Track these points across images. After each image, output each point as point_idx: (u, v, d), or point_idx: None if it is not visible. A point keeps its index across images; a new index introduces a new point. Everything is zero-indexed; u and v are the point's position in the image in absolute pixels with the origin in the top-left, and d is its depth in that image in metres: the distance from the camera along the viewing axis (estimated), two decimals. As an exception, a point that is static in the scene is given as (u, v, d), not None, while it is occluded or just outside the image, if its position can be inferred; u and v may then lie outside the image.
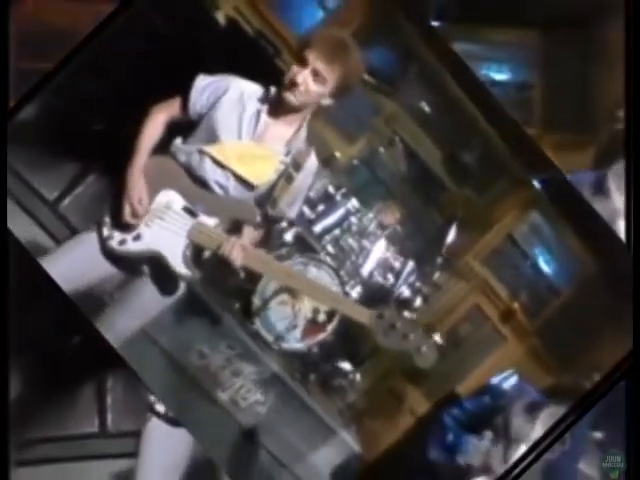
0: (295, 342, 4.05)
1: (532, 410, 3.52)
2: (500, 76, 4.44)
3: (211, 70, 3.07)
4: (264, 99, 2.93)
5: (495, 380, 3.80)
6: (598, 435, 3.65)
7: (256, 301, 4.00)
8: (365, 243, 4.20)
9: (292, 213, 3.07)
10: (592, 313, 4.45)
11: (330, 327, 4.04)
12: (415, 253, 4.32)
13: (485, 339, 4.60)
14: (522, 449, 3.51)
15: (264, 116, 2.92)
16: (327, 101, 2.89)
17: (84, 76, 3.31)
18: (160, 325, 3.68)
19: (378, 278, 4.22)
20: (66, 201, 3.95)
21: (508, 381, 3.76)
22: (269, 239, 3.84)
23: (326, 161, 4.25)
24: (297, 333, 4.04)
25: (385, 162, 4.46)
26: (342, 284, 4.05)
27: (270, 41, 4.12)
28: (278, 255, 3.99)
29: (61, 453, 3.65)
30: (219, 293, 3.95)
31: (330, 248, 4.16)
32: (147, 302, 3.02)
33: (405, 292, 4.20)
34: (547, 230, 4.64)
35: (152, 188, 2.93)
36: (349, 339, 4.24)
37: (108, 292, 3.18)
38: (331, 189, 4.19)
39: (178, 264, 2.88)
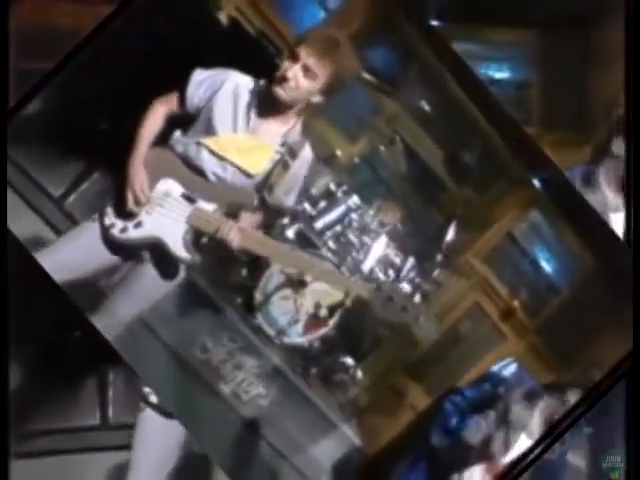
0: (297, 337, 4.09)
1: (530, 398, 3.57)
2: (499, 75, 4.48)
3: (212, 68, 3.15)
4: (254, 91, 2.99)
5: (495, 368, 3.84)
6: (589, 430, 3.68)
7: (258, 296, 4.05)
8: (366, 239, 4.24)
9: (289, 201, 3.16)
10: (592, 311, 4.47)
11: (332, 322, 4.08)
12: (415, 250, 4.35)
13: (485, 337, 4.61)
14: (521, 436, 3.54)
15: (255, 109, 2.99)
16: (317, 98, 2.95)
17: (88, 75, 3.37)
18: (163, 319, 3.75)
19: (379, 274, 4.26)
20: (71, 198, 4.02)
21: (507, 369, 3.81)
22: (270, 236, 3.89)
23: (327, 160, 4.30)
24: (299, 328, 4.08)
25: (385, 161, 4.50)
26: (343, 279, 4.08)
27: (272, 41, 4.17)
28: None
29: (63, 445, 3.71)
30: (222, 287, 4.02)
31: (331, 244, 4.20)
32: (148, 287, 3.11)
33: (405, 288, 4.23)
34: (547, 229, 4.66)
35: (152, 178, 3.04)
36: (351, 334, 4.28)
37: (109, 279, 3.25)
38: (332, 186, 4.23)
39: (178, 248, 2.98)
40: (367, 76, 4.38)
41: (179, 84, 3.16)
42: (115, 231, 3.07)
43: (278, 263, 3.54)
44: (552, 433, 3.41)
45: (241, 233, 2.98)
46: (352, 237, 4.25)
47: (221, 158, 3.03)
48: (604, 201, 3.87)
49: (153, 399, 3.27)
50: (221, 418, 3.98)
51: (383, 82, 4.45)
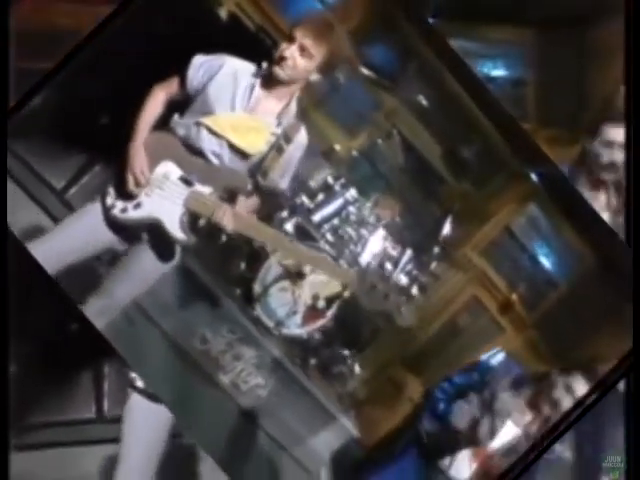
0: (295, 328, 4.13)
1: (517, 386, 3.60)
2: (495, 73, 4.51)
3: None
4: (257, 74, 3.08)
5: (484, 357, 3.87)
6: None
7: (257, 287, 4.09)
8: (363, 232, 4.27)
9: (283, 184, 3.23)
10: (590, 306, 4.48)
11: (329, 313, 4.12)
12: (413, 243, 4.38)
13: (483, 330, 4.63)
14: (507, 423, 3.58)
15: (257, 89, 3.07)
16: (314, 77, 3.04)
17: (89, 72, 3.42)
18: (163, 310, 3.80)
19: (376, 266, 4.30)
20: (73, 190, 4.08)
21: (495, 357, 3.84)
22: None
23: (326, 153, 4.34)
24: (297, 319, 4.12)
25: (384, 154, 4.54)
26: (341, 272, 4.11)
27: (270, 36, 4.22)
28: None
29: (60, 438, 3.75)
30: (221, 279, 4.06)
31: (329, 237, 4.24)
32: (146, 269, 3.18)
33: (402, 280, 4.26)
34: (545, 223, 4.68)
35: (152, 160, 3.13)
36: (349, 325, 4.31)
37: (109, 261, 3.33)
38: (330, 179, 4.27)
39: (175, 229, 3.06)
40: (366, 72, 4.43)
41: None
42: (116, 211, 3.16)
43: (270, 247, 3.59)
44: (552, 433, 3.43)
45: (235, 217, 3.06)
46: (350, 230, 4.28)
47: (219, 136, 3.12)
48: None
49: (140, 384, 3.32)
50: (220, 408, 4.02)
51: (382, 78, 4.49)
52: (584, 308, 4.50)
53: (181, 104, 3.22)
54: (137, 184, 3.12)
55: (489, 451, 3.53)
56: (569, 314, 4.59)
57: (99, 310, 3.25)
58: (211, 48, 3.39)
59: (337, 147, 4.37)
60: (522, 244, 4.72)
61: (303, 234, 4.18)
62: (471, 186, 4.64)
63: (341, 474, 4.08)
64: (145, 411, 3.31)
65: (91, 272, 3.47)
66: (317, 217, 4.19)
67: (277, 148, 3.11)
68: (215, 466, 3.54)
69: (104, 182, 3.89)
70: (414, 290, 4.27)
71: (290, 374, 4.13)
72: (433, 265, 4.40)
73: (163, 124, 3.22)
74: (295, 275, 4.03)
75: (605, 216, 3.98)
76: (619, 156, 3.95)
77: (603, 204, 3.99)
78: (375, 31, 4.48)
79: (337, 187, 4.27)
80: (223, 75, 3.13)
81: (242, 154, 3.13)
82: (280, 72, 3.06)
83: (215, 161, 3.14)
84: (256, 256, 4.09)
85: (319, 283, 4.05)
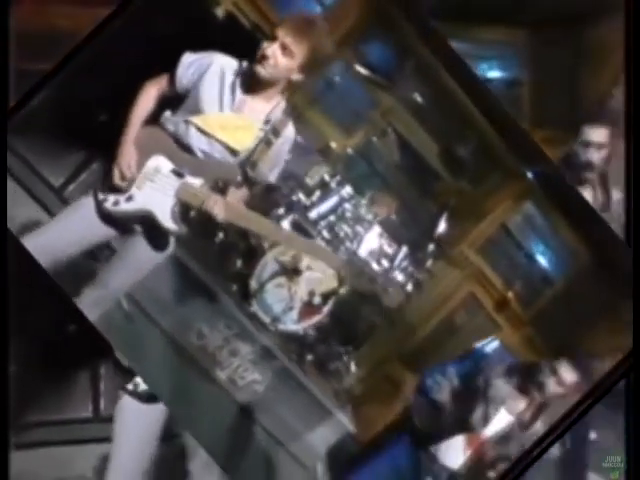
0: (291, 324, 4.16)
1: (510, 373, 3.63)
2: (490, 74, 4.53)
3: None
4: (240, 72, 3.12)
5: (478, 345, 3.90)
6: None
7: (253, 284, 4.12)
8: (359, 229, 4.29)
9: (272, 177, 3.30)
10: (586, 303, 4.50)
11: (325, 309, 4.15)
12: (408, 240, 4.40)
13: (480, 327, 4.64)
14: (501, 411, 3.61)
15: (239, 89, 3.14)
16: (296, 76, 3.09)
17: (88, 71, 3.47)
18: (160, 306, 3.84)
19: (372, 263, 4.32)
20: (71, 187, 4.12)
21: (490, 346, 3.87)
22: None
23: (322, 151, 4.38)
24: (293, 315, 4.15)
25: (379, 152, 4.56)
26: (337, 268, 4.14)
27: (267, 35, 4.24)
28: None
29: (57, 436, 3.80)
30: (218, 275, 4.10)
31: (325, 234, 4.26)
32: (140, 259, 3.25)
33: (398, 277, 4.29)
34: (541, 221, 4.70)
35: (144, 154, 3.21)
36: (345, 322, 4.34)
37: (103, 252, 3.38)
38: (326, 177, 4.30)
39: (167, 220, 3.13)
40: (363, 70, 4.46)
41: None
42: (108, 204, 3.23)
43: (260, 235, 3.64)
44: (552, 433, 3.45)
45: (225, 207, 3.13)
46: (346, 227, 4.31)
47: (208, 135, 3.18)
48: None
49: (130, 386, 3.38)
50: (217, 403, 4.05)
51: (379, 76, 4.52)
52: (580, 305, 4.52)
53: (173, 101, 3.27)
54: (123, 178, 3.19)
55: (482, 438, 3.56)
56: (565, 311, 4.60)
57: (94, 301, 3.32)
58: (207, 47, 3.44)
59: (333, 145, 4.40)
60: (518, 242, 4.74)
61: (300, 231, 4.20)
62: (467, 184, 4.66)
63: (337, 469, 4.10)
64: (135, 412, 3.37)
65: (86, 266, 3.52)
66: (313, 214, 4.22)
67: (265, 141, 3.18)
68: (205, 464, 3.58)
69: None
70: (409, 287, 4.29)
71: (286, 370, 4.16)
72: (429, 262, 4.41)
73: (155, 120, 3.27)
74: (291, 271, 4.06)
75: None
76: (595, 156, 4.01)
77: (590, 201, 4.03)
78: (372, 30, 4.50)
79: (333, 184, 4.29)
80: (211, 73, 3.20)
81: (231, 151, 3.18)
82: (262, 70, 3.11)
83: (204, 158, 3.20)
84: (252, 253, 4.13)
85: (315, 279, 4.08)
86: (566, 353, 3.60)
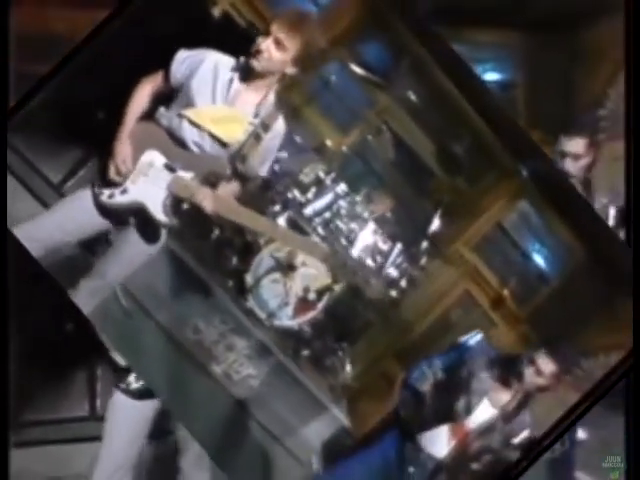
0: (287, 319, 4.19)
1: (492, 365, 3.67)
2: (484, 76, 4.56)
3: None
4: (236, 68, 3.20)
5: (462, 338, 3.94)
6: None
7: (249, 279, 4.16)
8: (354, 226, 4.33)
9: (262, 171, 3.37)
10: (581, 301, 4.53)
11: (320, 305, 4.19)
12: (403, 236, 4.43)
13: (476, 325, 4.63)
14: (484, 402, 3.64)
15: (236, 83, 3.21)
16: (290, 69, 3.16)
17: (87, 71, 3.53)
18: (157, 301, 3.89)
19: (367, 259, 4.36)
20: (69, 184, 4.18)
21: (474, 339, 3.91)
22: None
23: (317, 149, 4.42)
24: (289, 310, 4.18)
25: (373, 150, 4.61)
26: (332, 264, 4.17)
27: (263, 33, 4.28)
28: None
29: (54, 435, 3.88)
30: (214, 270, 4.15)
31: (320, 230, 4.30)
32: (134, 250, 3.33)
33: (392, 273, 4.33)
34: (536, 219, 4.73)
35: (138, 149, 3.31)
36: (340, 318, 4.38)
37: (99, 245, 3.47)
38: (321, 174, 4.34)
39: (158, 212, 3.24)
40: (359, 69, 4.51)
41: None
42: (104, 197, 3.33)
43: (248, 227, 3.69)
44: (552, 433, 3.47)
45: (214, 199, 3.20)
46: (341, 224, 4.34)
47: (200, 128, 3.26)
48: None
49: (122, 384, 3.44)
50: (213, 398, 4.08)
51: (375, 75, 4.56)
52: (575, 303, 4.54)
53: (167, 97, 3.35)
54: (118, 173, 3.29)
55: (466, 429, 3.59)
56: (561, 309, 4.62)
57: (90, 291, 3.40)
58: (203, 46, 3.51)
59: (328, 143, 4.44)
60: (513, 240, 4.77)
61: (295, 228, 4.24)
62: (463, 182, 4.69)
63: (332, 464, 4.13)
64: (126, 408, 3.43)
65: (83, 259, 3.60)
66: (309, 210, 4.25)
67: (255, 136, 3.26)
68: (195, 461, 3.62)
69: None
70: (403, 283, 4.33)
71: (282, 365, 4.20)
72: (423, 259, 4.44)
73: (150, 116, 3.36)
74: (286, 267, 4.10)
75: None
76: (572, 166, 4.04)
77: None
78: (367, 29, 4.55)
79: (328, 181, 4.33)
80: (204, 69, 3.30)
81: (222, 143, 3.26)
82: (256, 64, 3.21)
83: (196, 150, 3.30)
84: (248, 249, 4.17)
85: (310, 275, 4.13)
86: (548, 345, 3.62)
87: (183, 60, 3.33)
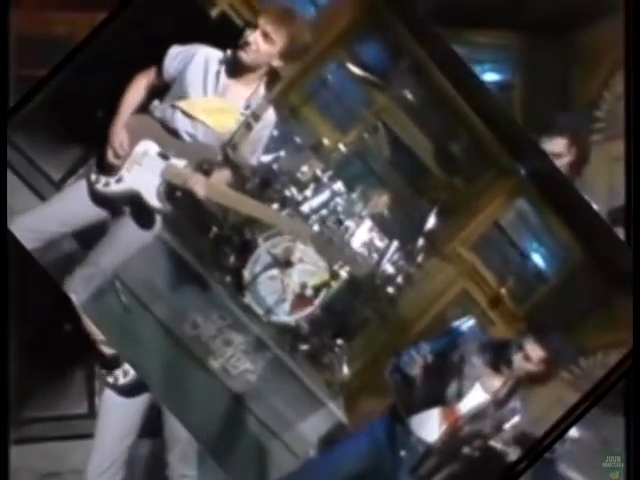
0: (284, 315, 4.23)
1: (483, 350, 3.70)
2: (482, 77, 4.60)
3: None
4: (223, 60, 3.28)
5: (454, 323, 3.96)
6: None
7: (246, 275, 4.20)
8: (350, 223, 4.35)
9: (253, 160, 3.48)
10: (579, 299, 4.55)
11: (317, 301, 4.22)
12: (399, 234, 4.46)
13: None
14: (476, 387, 3.67)
15: (223, 75, 3.36)
16: (277, 62, 3.25)
17: (86, 70, 3.61)
18: (156, 296, 3.94)
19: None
20: (69, 181, 4.25)
21: (466, 324, 3.93)
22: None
23: (314, 148, 4.47)
24: (286, 307, 4.21)
25: (370, 148, 4.64)
26: (328, 261, 4.21)
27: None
28: (269, 235, 4.21)
29: (53, 432, 3.96)
30: (212, 266, 4.20)
31: (317, 228, 4.33)
32: (128, 237, 3.43)
33: (389, 270, 4.36)
34: (534, 218, 4.75)
35: (133, 140, 3.42)
36: (337, 315, 4.41)
37: (93, 233, 3.54)
38: (319, 172, 4.38)
39: (152, 199, 3.36)
40: (357, 70, 4.55)
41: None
42: (99, 186, 3.44)
43: (240, 211, 3.76)
44: (552, 433, 3.50)
45: (207, 186, 3.34)
46: (337, 221, 4.37)
47: (192, 118, 3.38)
48: None
49: (110, 379, 3.48)
50: (210, 392, 4.12)
51: (374, 75, 4.60)
52: (573, 302, 4.55)
53: (161, 91, 3.46)
54: (116, 156, 3.41)
55: (457, 414, 3.61)
56: (558, 308, 4.64)
57: (85, 279, 3.46)
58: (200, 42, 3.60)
59: (325, 142, 4.48)
60: (511, 239, 4.78)
61: (292, 224, 4.27)
62: (461, 181, 4.71)
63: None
64: (115, 405, 3.48)
65: (78, 250, 3.67)
66: (306, 208, 4.29)
67: (246, 125, 3.35)
68: (182, 456, 3.66)
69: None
70: (400, 279, 4.36)
71: (279, 360, 4.23)
72: (420, 257, 4.47)
73: (144, 109, 3.48)
74: (284, 264, 4.14)
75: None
76: None
77: None
78: (365, 29, 4.59)
79: (325, 179, 4.37)
80: (196, 63, 3.43)
81: (213, 133, 3.34)
82: (244, 56, 3.31)
83: (189, 140, 3.41)
84: (246, 246, 4.22)
85: (307, 272, 4.16)
86: (537, 332, 3.65)
87: (175, 55, 3.45)
